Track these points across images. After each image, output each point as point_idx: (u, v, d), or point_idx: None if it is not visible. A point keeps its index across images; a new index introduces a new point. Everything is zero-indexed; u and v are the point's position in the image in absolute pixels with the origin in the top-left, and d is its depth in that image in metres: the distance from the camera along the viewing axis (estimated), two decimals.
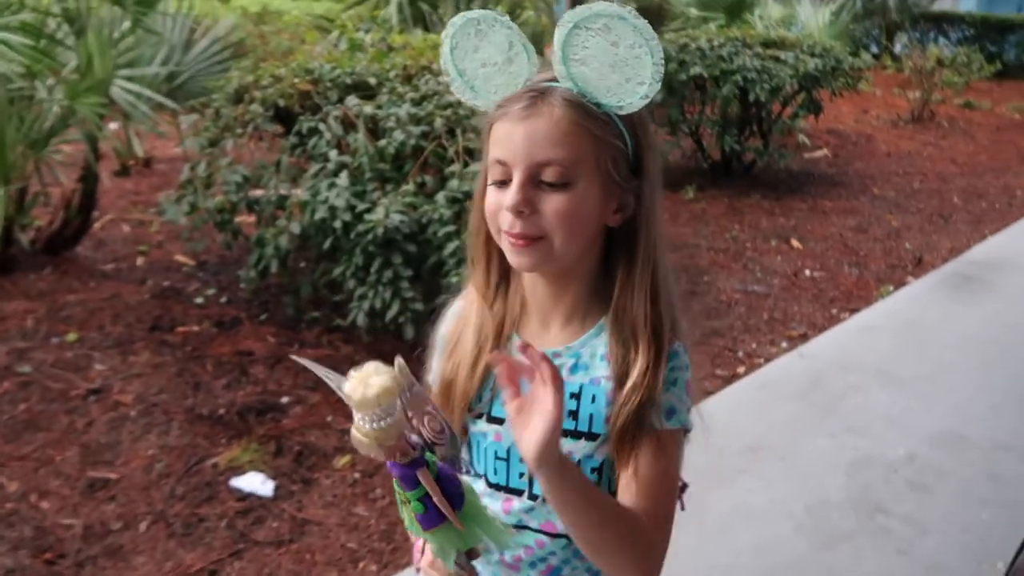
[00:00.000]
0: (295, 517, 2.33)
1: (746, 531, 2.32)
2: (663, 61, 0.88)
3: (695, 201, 5.67)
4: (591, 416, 0.97)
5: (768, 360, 3.45)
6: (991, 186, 6.60)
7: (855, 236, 5.18)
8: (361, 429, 0.76)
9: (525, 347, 0.84)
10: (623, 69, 0.89)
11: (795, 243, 4.97)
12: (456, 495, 0.82)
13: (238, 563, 2.16)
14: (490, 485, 1.02)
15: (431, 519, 0.81)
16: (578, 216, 0.93)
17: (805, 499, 2.46)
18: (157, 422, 2.71)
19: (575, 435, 0.97)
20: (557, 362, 0.95)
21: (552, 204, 0.91)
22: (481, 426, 1.02)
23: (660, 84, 0.90)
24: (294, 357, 0.95)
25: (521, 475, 1.01)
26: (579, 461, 0.97)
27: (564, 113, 0.91)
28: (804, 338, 3.69)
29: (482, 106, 0.97)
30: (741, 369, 3.37)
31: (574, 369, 0.98)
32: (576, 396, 0.98)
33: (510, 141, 0.92)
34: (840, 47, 6.55)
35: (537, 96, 0.92)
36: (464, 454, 1.06)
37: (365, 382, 0.75)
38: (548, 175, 0.91)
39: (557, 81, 0.93)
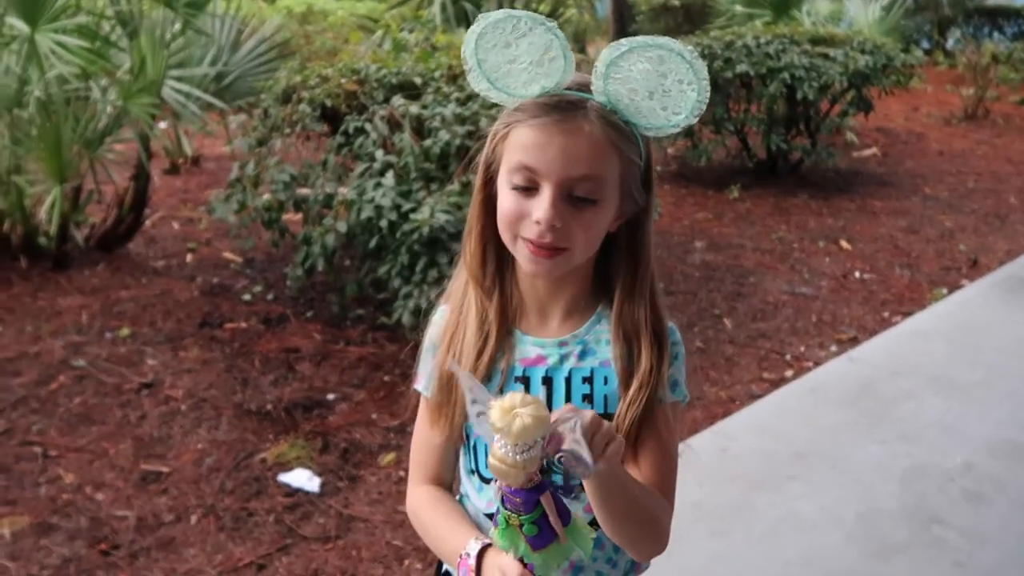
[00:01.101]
0: (341, 513, 2.35)
1: (795, 540, 2.27)
2: (707, 100, 0.91)
3: (740, 201, 5.58)
4: (606, 397, 1.01)
5: (817, 364, 3.38)
6: None
7: (906, 237, 5.05)
8: (505, 460, 0.79)
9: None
10: (663, 99, 0.92)
11: (844, 244, 4.86)
12: (565, 512, 0.84)
13: (286, 558, 2.18)
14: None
15: (544, 539, 0.83)
16: (600, 229, 0.97)
17: (856, 507, 2.40)
18: (207, 417, 2.76)
19: None
20: (564, 350, 1.02)
21: (581, 219, 0.94)
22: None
23: (696, 120, 0.93)
24: (450, 365, 0.97)
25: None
26: None
27: (600, 130, 0.93)
28: (854, 342, 3.61)
29: (495, 100, 0.96)
30: (789, 372, 3.31)
31: (582, 355, 1.02)
32: (589, 380, 1.01)
33: (543, 152, 0.92)
34: (891, 43, 6.38)
35: (571, 108, 0.93)
36: (467, 459, 1.07)
37: (514, 413, 0.78)
38: (580, 190, 0.93)
39: (589, 93, 0.94)
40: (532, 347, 1.03)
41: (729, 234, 4.94)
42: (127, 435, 2.65)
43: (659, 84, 0.91)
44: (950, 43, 12.82)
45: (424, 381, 1.08)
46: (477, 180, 1.01)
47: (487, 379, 1.01)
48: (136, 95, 3.90)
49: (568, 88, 0.94)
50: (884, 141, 7.61)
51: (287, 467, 2.52)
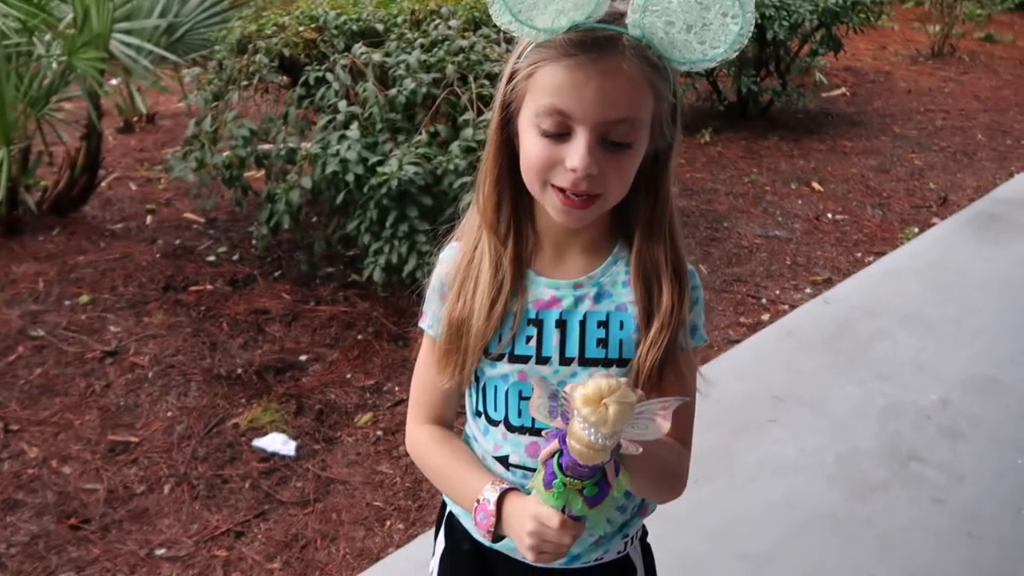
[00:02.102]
0: (319, 476, 2.30)
1: (777, 483, 2.28)
2: (750, 34, 0.85)
3: (711, 144, 5.52)
4: (620, 342, 0.98)
5: (792, 307, 3.38)
6: (1016, 122, 6.41)
7: (877, 177, 5.04)
8: (594, 445, 0.79)
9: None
10: (702, 33, 0.86)
11: (816, 186, 4.85)
12: (617, 465, 0.86)
13: (264, 524, 2.14)
14: (512, 429, 1.00)
15: (600, 496, 0.84)
16: (633, 172, 0.91)
17: (836, 449, 2.41)
18: (175, 383, 2.68)
19: (606, 363, 0.97)
20: (579, 292, 0.98)
21: (616, 163, 0.88)
22: (502, 368, 0.99)
23: (736, 55, 0.86)
24: (531, 381, 0.93)
25: (542, 432, 0.97)
26: None
27: (638, 69, 0.86)
28: (828, 283, 3.61)
29: (519, 34, 0.88)
30: (765, 316, 3.31)
31: (598, 298, 0.98)
32: (604, 324, 0.97)
33: (578, 94, 0.84)
34: None
35: (607, 44, 0.85)
36: (473, 401, 1.05)
37: (603, 403, 0.78)
38: (616, 134, 0.87)
39: (623, 27, 0.86)
40: (546, 288, 0.98)
41: (702, 179, 4.89)
42: (92, 405, 2.56)
43: (700, 17, 0.85)
44: None
45: (430, 320, 1.03)
46: (492, 122, 0.94)
47: (500, 323, 0.97)
48: (81, 49, 3.70)
49: (601, 21, 0.86)
50: (852, 81, 7.57)
51: (261, 432, 2.46)
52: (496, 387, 1.00)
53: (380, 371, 2.78)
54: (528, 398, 0.97)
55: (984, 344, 3.01)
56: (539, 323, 0.97)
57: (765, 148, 5.53)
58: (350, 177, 2.80)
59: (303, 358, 2.84)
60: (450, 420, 1.09)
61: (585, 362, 0.97)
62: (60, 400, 2.59)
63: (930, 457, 2.37)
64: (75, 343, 2.89)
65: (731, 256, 3.86)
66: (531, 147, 0.89)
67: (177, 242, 3.75)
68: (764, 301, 3.45)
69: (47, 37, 4.00)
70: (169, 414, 2.53)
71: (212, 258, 3.57)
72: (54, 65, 3.83)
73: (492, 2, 0.87)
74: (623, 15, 0.86)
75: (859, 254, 3.95)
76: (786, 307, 3.39)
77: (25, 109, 3.72)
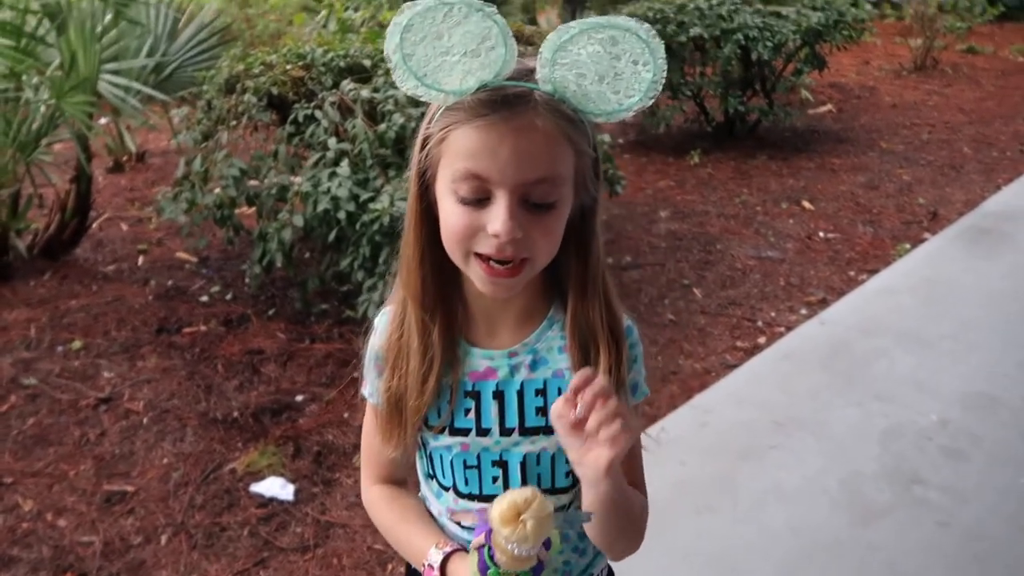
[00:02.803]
0: (319, 521, 2.28)
1: (781, 510, 2.26)
2: (663, 81, 0.83)
3: (701, 166, 5.55)
4: None
5: (789, 328, 3.38)
6: (1001, 134, 6.47)
7: (866, 193, 5.07)
8: (519, 558, 0.81)
9: (579, 387, 0.81)
10: (615, 82, 0.84)
11: (806, 204, 4.87)
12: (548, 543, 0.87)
13: (263, 572, 2.11)
14: (461, 495, 0.99)
15: (538, 571, 0.85)
16: (560, 231, 0.88)
17: (838, 473, 2.40)
18: (170, 429, 2.65)
19: (547, 431, 0.94)
20: (514, 361, 0.96)
21: (541, 224, 0.85)
22: (444, 440, 0.97)
23: (651, 102, 0.85)
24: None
25: (494, 479, 0.98)
26: (553, 456, 0.96)
27: (553, 124, 0.83)
28: (823, 303, 3.61)
29: (425, 98, 0.85)
30: (762, 339, 3.30)
31: (534, 365, 0.96)
32: (542, 392, 0.96)
33: (493, 156, 0.81)
34: None
35: (518, 101, 0.82)
36: (424, 464, 1.05)
37: (520, 520, 0.79)
38: (537, 195, 0.83)
39: (532, 83, 0.83)
40: (481, 359, 0.96)
41: (693, 201, 4.91)
42: (87, 455, 2.53)
43: (611, 67, 0.82)
44: None
45: (369, 388, 1.02)
46: (410, 191, 0.90)
47: (436, 397, 0.95)
48: (70, 93, 3.70)
49: (510, 79, 0.83)
50: (838, 97, 7.64)
51: (258, 476, 2.43)
52: (442, 456, 0.99)
53: None
54: (473, 467, 0.98)
55: (980, 360, 3.01)
56: (476, 395, 0.96)
57: (754, 168, 5.56)
58: (342, 214, 2.80)
59: (299, 398, 2.82)
60: (401, 477, 1.08)
61: (525, 431, 0.96)
62: (54, 450, 2.56)
63: (933, 479, 2.36)
64: (68, 391, 2.86)
65: (725, 279, 3.86)
66: (450, 215, 0.85)
67: (170, 283, 3.73)
68: (760, 324, 3.44)
69: (35, 80, 4.01)
70: (165, 461, 2.50)
71: (205, 298, 3.56)
72: (42, 109, 3.84)
73: (395, 67, 0.83)
74: (532, 71, 0.83)
75: (852, 272, 3.96)
76: (782, 329, 3.39)
77: (14, 154, 3.71)
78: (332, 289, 3.31)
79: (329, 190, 2.82)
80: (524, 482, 0.96)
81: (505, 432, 0.96)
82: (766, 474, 2.41)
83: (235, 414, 2.72)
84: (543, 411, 0.95)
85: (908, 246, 4.23)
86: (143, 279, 3.79)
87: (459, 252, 0.87)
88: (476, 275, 0.87)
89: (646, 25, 0.82)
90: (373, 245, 2.82)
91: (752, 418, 2.67)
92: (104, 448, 2.57)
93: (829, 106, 7.25)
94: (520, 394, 0.95)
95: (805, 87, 6.28)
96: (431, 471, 1.02)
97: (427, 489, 1.05)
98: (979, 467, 2.42)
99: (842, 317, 3.41)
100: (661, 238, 4.32)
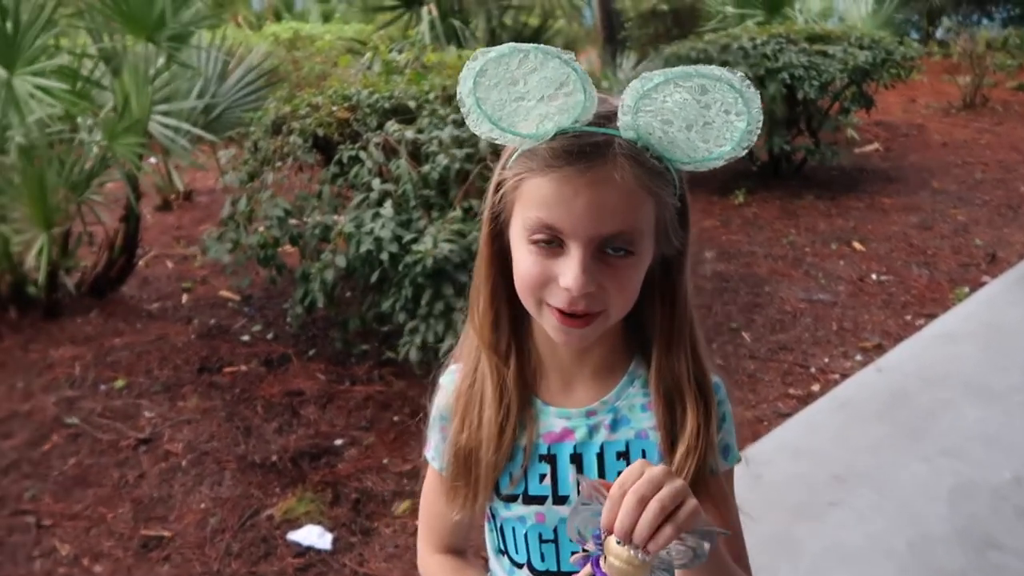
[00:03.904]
0: (356, 572, 2.20)
1: (844, 573, 2.12)
2: (759, 130, 0.77)
3: (746, 205, 5.45)
4: None
5: (843, 375, 3.24)
6: None
7: (920, 234, 4.91)
8: (633, 561, 0.71)
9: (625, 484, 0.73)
10: (705, 131, 0.78)
11: (857, 245, 4.73)
12: None
13: None
14: (536, 573, 0.91)
15: None
16: (638, 284, 0.82)
17: (906, 534, 2.25)
18: (209, 472, 2.61)
19: None
20: (593, 421, 0.88)
21: (616, 277, 0.79)
22: (517, 509, 0.89)
23: (745, 152, 0.79)
24: (579, 477, 0.85)
25: (573, 554, 0.86)
26: None
27: (633, 176, 0.77)
28: (879, 349, 3.47)
29: (501, 141, 0.80)
30: (816, 387, 3.17)
31: (614, 426, 0.89)
32: (624, 455, 0.88)
33: (568, 208, 0.76)
34: (888, 37, 6.28)
35: (596, 152, 0.77)
36: (494, 538, 0.96)
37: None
38: (613, 246, 0.78)
39: (614, 129, 0.78)
40: (556, 419, 0.89)
41: (739, 241, 4.80)
42: (125, 497, 2.50)
43: (701, 116, 0.77)
44: (939, 32, 12.75)
45: (433, 451, 0.95)
46: (483, 232, 0.86)
47: (509, 459, 0.88)
48: (121, 135, 3.77)
49: (590, 124, 0.78)
50: (885, 136, 7.49)
51: (296, 523, 2.37)
52: (514, 528, 0.91)
53: (418, 455, 2.68)
54: (549, 541, 0.89)
55: None
56: (552, 459, 0.88)
57: (801, 208, 5.44)
58: (384, 255, 2.76)
59: (339, 442, 2.77)
60: (463, 546, 1.01)
61: None
62: (93, 492, 2.53)
63: (1010, 543, 2.20)
64: (109, 431, 2.85)
65: (775, 322, 3.74)
66: (522, 262, 0.81)
67: (212, 321, 3.74)
68: (813, 370, 3.31)
69: (89, 122, 4.10)
70: (203, 506, 2.46)
71: (247, 337, 3.55)
72: (95, 150, 3.92)
73: (468, 112, 0.79)
74: (613, 115, 0.78)
75: (908, 317, 3.81)
76: (836, 376, 3.25)
77: (66, 193, 3.78)
78: (373, 330, 3.27)
79: (372, 231, 2.80)
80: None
81: None
82: (827, 533, 2.28)
83: (274, 458, 2.67)
84: None
85: (967, 290, 4.06)
86: (187, 317, 3.80)
87: (532, 300, 0.82)
88: (549, 323, 0.82)
89: (739, 74, 0.76)
90: (415, 287, 2.78)
91: (809, 472, 2.54)
92: (142, 491, 2.53)
93: (876, 145, 7.10)
94: (600, 457, 0.88)
95: (851, 126, 6.17)
96: (502, 546, 0.94)
97: (497, 565, 0.97)
98: None
99: (900, 364, 3.26)
100: (707, 279, 4.21)
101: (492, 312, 0.88)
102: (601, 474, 0.88)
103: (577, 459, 0.88)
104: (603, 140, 0.77)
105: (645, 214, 0.79)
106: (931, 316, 3.78)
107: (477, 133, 0.80)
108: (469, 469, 0.89)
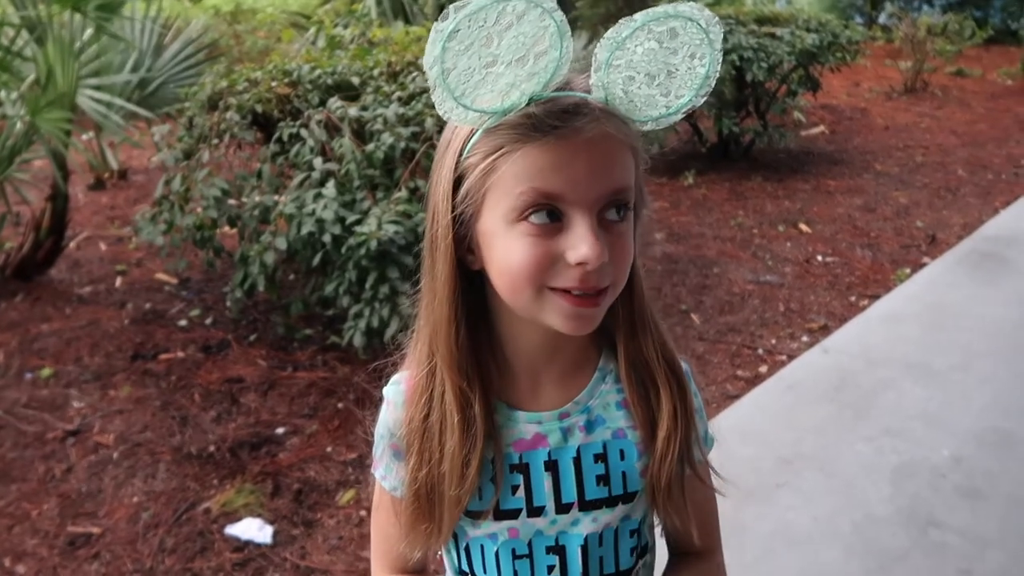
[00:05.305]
0: (298, 566, 2.12)
1: (791, 556, 2.13)
2: (717, 75, 0.74)
3: (695, 187, 5.47)
4: (624, 475, 0.82)
5: (790, 356, 3.26)
6: (994, 156, 6.43)
7: (864, 216, 4.99)
8: None
9: None
10: (668, 82, 0.74)
11: (803, 227, 4.78)
12: None
13: None
14: None
15: None
16: (632, 251, 0.76)
17: (851, 515, 2.27)
18: (142, 464, 2.50)
19: (610, 502, 0.82)
20: (566, 423, 0.81)
21: (618, 245, 0.73)
22: (488, 527, 0.82)
23: (703, 100, 0.75)
24: None
25: (550, 569, 0.82)
26: (616, 531, 0.82)
27: (615, 129, 0.72)
28: (825, 330, 3.50)
29: (461, 121, 0.73)
30: (763, 368, 3.18)
31: (590, 427, 0.82)
32: (602, 457, 0.82)
33: (569, 172, 0.69)
34: (835, 21, 6.35)
35: (577, 111, 0.71)
36: (455, 559, 0.87)
37: None
38: (616, 204, 0.72)
39: (584, 92, 0.73)
40: (526, 425, 0.81)
41: (688, 223, 4.81)
42: (51, 492, 2.37)
43: (666, 64, 0.73)
44: (882, 17, 12.98)
45: (383, 470, 0.85)
46: (438, 246, 0.75)
47: (479, 482, 0.79)
48: (45, 109, 3.56)
49: (557, 90, 0.72)
50: (830, 119, 7.60)
51: (235, 516, 2.27)
52: (483, 547, 0.83)
53: (363, 443, 2.61)
54: (524, 556, 0.82)
55: (993, 393, 2.90)
56: (524, 468, 0.81)
57: (750, 189, 5.47)
58: (327, 237, 2.67)
59: (280, 431, 2.67)
60: (422, 566, 0.92)
61: (586, 506, 0.82)
62: (17, 487, 2.40)
63: (950, 521, 2.24)
64: (35, 422, 2.70)
65: (723, 304, 3.75)
66: (514, 252, 0.71)
67: (147, 306, 3.58)
68: (760, 351, 3.33)
69: (12, 96, 3.87)
70: (135, 499, 2.35)
71: (184, 322, 3.41)
72: (18, 125, 3.70)
73: (433, 86, 0.71)
74: (573, 79, 0.74)
75: (853, 298, 3.86)
76: (784, 357, 3.27)
77: None
78: (316, 314, 3.17)
79: (314, 212, 2.69)
80: (586, 570, 0.82)
81: (562, 509, 0.81)
82: (775, 515, 2.28)
83: (211, 448, 2.56)
84: (604, 479, 0.81)
85: (908, 271, 4.14)
86: (120, 302, 3.64)
87: (530, 291, 0.72)
88: (556, 311, 0.73)
89: (707, 11, 0.72)
90: (360, 269, 2.69)
91: (758, 454, 2.54)
92: (70, 485, 2.41)
93: (822, 127, 7.20)
94: (577, 462, 0.81)
95: (799, 109, 6.23)
96: (467, 567, 0.85)
97: None
98: (999, 509, 2.30)
99: (846, 345, 3.29)
100: (657, 261, 4.20)
101: (453, 328, 0.77)
102: (579, 479, 0.81)
103: (552, 466, 0.81)
104: (580, 101, 0.72)
105: (632, 171, 0.74)
106: (874, 297, 3.84)
107: (440, 111, 0.72)
108: (432, 504, 0.80)
